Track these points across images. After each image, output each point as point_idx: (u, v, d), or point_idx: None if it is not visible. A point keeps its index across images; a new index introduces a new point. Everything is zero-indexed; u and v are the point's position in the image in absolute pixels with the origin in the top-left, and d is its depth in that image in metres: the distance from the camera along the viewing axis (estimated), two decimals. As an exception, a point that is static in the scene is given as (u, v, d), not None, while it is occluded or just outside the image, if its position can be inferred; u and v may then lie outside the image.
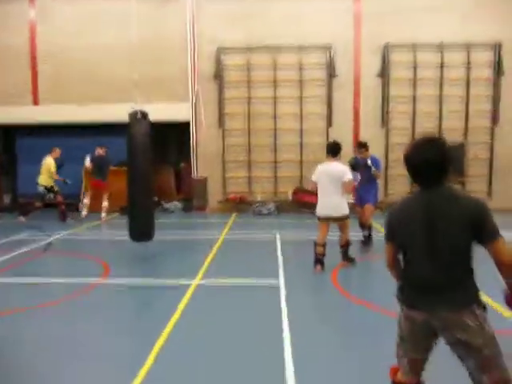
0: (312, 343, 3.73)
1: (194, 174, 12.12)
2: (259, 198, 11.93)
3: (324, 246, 5.89)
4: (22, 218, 10.29)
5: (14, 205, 12.37)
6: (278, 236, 8.37)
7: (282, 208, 11.68)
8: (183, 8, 11.70)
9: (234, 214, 11.36)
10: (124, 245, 7.15)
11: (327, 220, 5.90)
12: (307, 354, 3.52)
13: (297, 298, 4.84)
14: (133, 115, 6.76)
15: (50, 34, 11.96)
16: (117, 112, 11.79)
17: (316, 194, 6.03)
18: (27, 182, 11.39)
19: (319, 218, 5.95)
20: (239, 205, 11.91)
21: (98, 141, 11.48)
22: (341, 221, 5.89)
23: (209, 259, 6.69)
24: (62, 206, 10.40)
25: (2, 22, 12.03)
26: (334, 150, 5.94)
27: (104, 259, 6.72)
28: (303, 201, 11.60)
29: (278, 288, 5.22)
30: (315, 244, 5.95)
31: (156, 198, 10.57)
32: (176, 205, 12.13)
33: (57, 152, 10.51)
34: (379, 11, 11.48)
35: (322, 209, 5.87)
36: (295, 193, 11.75)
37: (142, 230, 6.78)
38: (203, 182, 12.07)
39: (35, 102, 12.19)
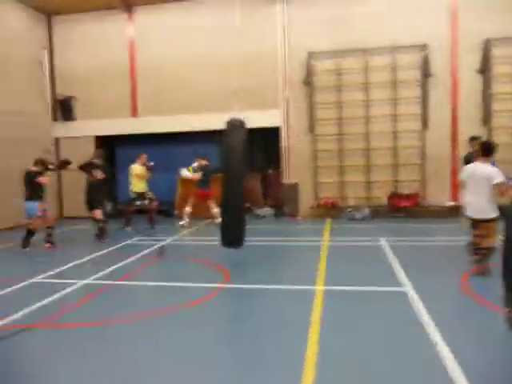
0: (475, 351, 3.53)
1: (285, 180, 12.17)
2: (352, 204, 11.71)
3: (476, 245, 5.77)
4: (128, 229, 10.58)
5: (115, 212, 13.13)
6: (382, 242, 8.14)
7: (376, 213, 11.38)
8: (273, 16, 11.86)
9: (327, 220, 11.24)
10: (229, 250, 7.25)
11: (473, 221, 5.75)
12: (474, 359, 3.33)
13: (433, 305, 4.62)
14: (231, 123, 6.87)
15: (147, 50, 12.63)
16: (209, 121, 12.28)
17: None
18: (126, 190, 12.05)
19: (468, 218, 5.82)
20: (331, 210, 11.77)
21: (192, 149, 11.97)
22: (484, 223, 5.62)
23: (322, 265, 6.63)
24: (153, 212, 10.72)
25: (103, 39, 12.88)
26: (487, 149, 5.70)
27: (218, 263, 6.90)
28: (399, 206, 11.23)
29: (405, 294, 5.05)
30: (471, 244, 5.88)
31: (247, 204, 10.68)
32: (267, 211, 12.23)
33: (143, 158, 10.73)
34: (476, 6, 10.93)
35: (468, 210, 5.76)
36: (390, 197, 11.40)
37: (235, 236, 6.81)
38: (294, 188, 12.08)
39: (134, 113, 12.90)
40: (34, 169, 8.43)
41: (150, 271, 6.78)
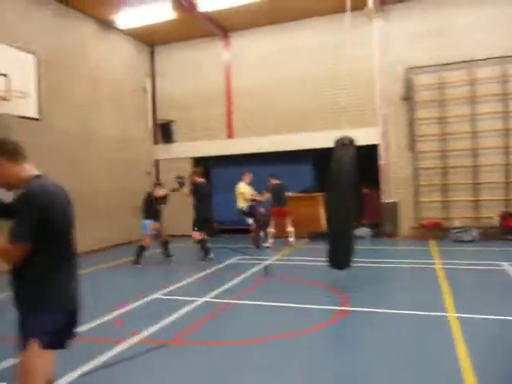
0: None
1: (384, 199, 11.73)
2: (457, 224, 10.97)
3: None
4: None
5: (213, 230, 13.47)
6: (505, 266, 7.46)
7: (486, 235, 10.54)
8: (370, 33, 11.66)
9: (430, 241, 10.60)
10: (336, 271, 7.00)
11: None
12: None
13: None
14: (340, 141, 6.72)
15: (243, 72, 12.99)
16: (304, 140, 12.29)
17: None
18: (222, 208, 12.33)
19: None
20: (434, 231, 11.10)
21: (287, 168, 12.06)
22: None
23: (445, 289, 6.18)
24: (255, 232, 10.87)
25: (201, 65, 13.45)
26: None
27: (329, 285, 6.72)
28: (513, 227, 10.33)
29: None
30: None
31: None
32: (364, 231, 11.83)
33: (248, 177, 11.01)
34: None
35: None
36: (503, 217, 10.52)
37: (343, 257, 6.60)
38: (393, 207, 11.59)
39: (230, 135, 13.26)
40: (157, 193, 9.07)
41: (262, 291, 6.73)
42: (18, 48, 8.19)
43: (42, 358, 2.42)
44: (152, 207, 8.95)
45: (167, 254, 9.34)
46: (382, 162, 11.70)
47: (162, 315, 5.39)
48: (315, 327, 4.90)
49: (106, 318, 5.41)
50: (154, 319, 5.24)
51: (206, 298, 6.20)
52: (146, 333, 4.80)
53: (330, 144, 6.90)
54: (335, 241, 6.68)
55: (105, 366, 3.97)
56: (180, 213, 11.66)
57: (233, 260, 9.25)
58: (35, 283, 2.45)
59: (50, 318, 2.43)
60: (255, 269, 8.18)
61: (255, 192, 10.99)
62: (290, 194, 11.11)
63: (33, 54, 8.49)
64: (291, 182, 12.39)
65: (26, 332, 2.41)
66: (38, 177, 2.55)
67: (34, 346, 2.38)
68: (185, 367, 4.01)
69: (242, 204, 10.89)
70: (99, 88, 11.74)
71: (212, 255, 9.17)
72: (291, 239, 10.70)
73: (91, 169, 11.12)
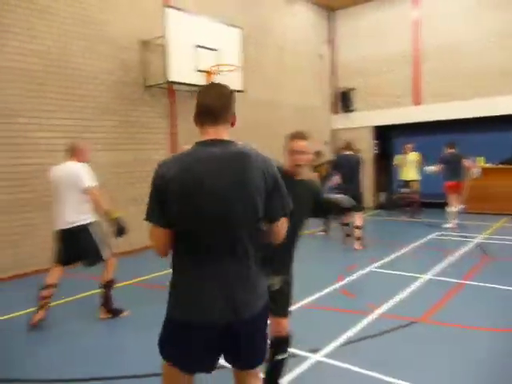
0: None
1: None
2: None
3: None
4: (417, 217, 10.85)
5: (389, 203, 12.92)
6: None
7: None
8: None
9: None
10: None
11: None
12: None
13: None
14: None
15: (434, 31, 11.80)
16: (503, 104, 10.76)
17: None
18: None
19: None
20: None
21: (482, 137, 10.85)
22: None
23: None
24: (413, 204, 10.98)
25: (384, 27, 12.62)
26: None
27: None
28: None
29: None
30: None
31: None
32: None
33: (407, 148, 10.96)
34: None
35: None
36: None
37: None
38: None
39: (416, 101, 12.31)
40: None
41: (493, 272, 6.04)
42: (226, 24, 8.57)
43: None
44: None
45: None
46: None
47: (391, 290, 5.20)
48: None
49: (331, 288, 5.44)
50: (384, 293, 5.08)
51: (429, 276, 5.82)
52: (385, 307, 4.67)
53: None
54: None
55: (362, 337, 3.93)
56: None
57: (432, 235, 8.65)
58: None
59: None
60: (466, 247, 7.48)
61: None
62: (486, 165, 10.42)
63: (239, 28, 8.81)
64: (488, 152, 11.10)
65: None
66: None
67: None
68: (467, 353, 3.64)
69: (403, 174, 11.06)
70: (283, 58, 11.84)
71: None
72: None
73: (276, 137, 11.36)
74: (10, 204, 6.41)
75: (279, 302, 2.72)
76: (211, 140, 1.84)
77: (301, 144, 2.84)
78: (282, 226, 1.98)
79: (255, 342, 1.92)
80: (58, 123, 6.93)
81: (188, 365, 1.86)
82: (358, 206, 7.03)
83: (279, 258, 2.70)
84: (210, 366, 1.92)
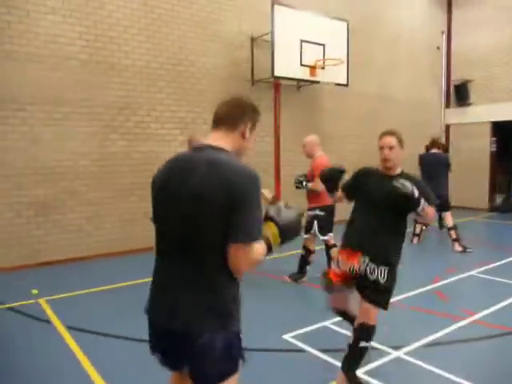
0: None
1: None
2: None
3: None
4: None
5: (506, 205, 11.86)
6: None
7: None
8: None
9: None
10: None
11: None
12: None
13: None
14: None
15: None
16: None
17: None
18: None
19: None
20: None
21: None
22: None
23: None
24: None
25: (507, 15, 11.50)
26: None
27: None
28: None
29: None
30: None
31: None
32: None
33: None
34: None
35: None
36: None
37: None
38: None
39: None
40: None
41: None
42: (331, 17, 8.57)
43: None
44: None
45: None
46: None
47: (490, 297, 4.90)
48: None
49: (425, 289, 5.29)
50: (481, 299, 4.82)
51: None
52: (480, 314, 4.44)
53: None
54: None
55: (450, 341, 3.82)
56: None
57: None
58: None
59: None
60: None
61: None
62: None
63: (345, 22, 8.77)
64: None
65: None
66: None
67: None
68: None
69: None
70: (395, 50, 11.43)
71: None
72: None
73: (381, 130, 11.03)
74: (128, 187, 7.26)
75: (374, 290, 2.81)
76: (203, 145, 1.81)
77: (386, 140, 2.91)
78: (236, 253, 1.59)
79: (202, 365, 1.67)
80: (172, 115, 7.64)
81: (160, 361, 1.85)
82: (442, 205, 6.51)
83: (374, 241, 2.80)
84: (175, 366, 1.85)
